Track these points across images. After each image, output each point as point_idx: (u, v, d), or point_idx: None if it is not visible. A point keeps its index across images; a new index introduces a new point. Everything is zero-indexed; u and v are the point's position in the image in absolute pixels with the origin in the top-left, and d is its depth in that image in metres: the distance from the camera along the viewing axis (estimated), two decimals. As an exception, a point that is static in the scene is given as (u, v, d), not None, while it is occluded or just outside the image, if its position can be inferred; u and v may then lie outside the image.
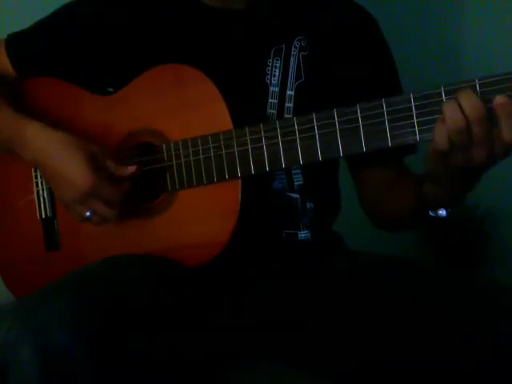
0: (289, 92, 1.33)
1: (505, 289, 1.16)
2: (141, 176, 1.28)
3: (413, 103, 1.10)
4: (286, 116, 1.32)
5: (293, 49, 1.34)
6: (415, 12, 2.00)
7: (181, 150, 1.26)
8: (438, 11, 2.00)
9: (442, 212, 1.23)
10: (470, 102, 1.05)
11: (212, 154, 1.23)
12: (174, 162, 1.27)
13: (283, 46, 1.34)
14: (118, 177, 1.26)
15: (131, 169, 1.27)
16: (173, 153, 1.27)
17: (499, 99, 1.04)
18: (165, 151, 1.28)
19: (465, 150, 1.07)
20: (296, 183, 1.34)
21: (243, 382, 1.24)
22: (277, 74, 1.33)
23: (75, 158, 1.25)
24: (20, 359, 1.00)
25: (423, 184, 1.20)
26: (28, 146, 1.30)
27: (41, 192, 1.39)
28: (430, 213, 1.24)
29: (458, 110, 1.05)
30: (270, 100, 1.33)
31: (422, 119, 1.10)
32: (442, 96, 1.08)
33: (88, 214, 1.27)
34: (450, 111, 1.06)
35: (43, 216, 1.38)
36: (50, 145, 1.28)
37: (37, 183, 1.39)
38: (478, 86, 1.06)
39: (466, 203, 1.25)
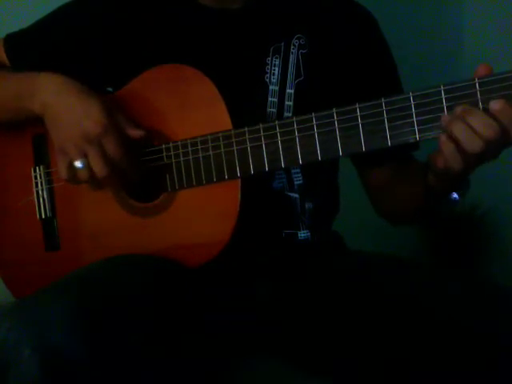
0: (288, 90, 1.33)
1: (505, 289, 1.16)
2: (140, 176, 1.28)
3: (412, 102, 1.10)
4: (285, 114, 1.32)
5: (292, 47, 1.34)
6: (415, 12, 2.00)
7: (180, 150, 1.26)
8: (438, 11, 2.01)
9: (455, 195, 1.22)
10: (483, 123, 1.05)
11: (211, 154, 1.23)
12: (174, 162, 1.27)
13: (282, 44, 1.33)
14: (127, 132, 1.25)
15: (141, 132, 1.25)
16: (172, 153, 1.27)
17: (495, 105, 1.05)
18: (164, 151, 1.28)
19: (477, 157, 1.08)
20: (296, 183, 1.34)
21: (243, 382, 1.24)
22: (276, 72, 1.33)
23: (91, 101, 1.24)
24: (20, 359, 1.00)
25: (427, 176, 1.20)
26: (39, 92, 1.28)
27: (40, 192, 1.38)
28: (443, 201, 1.24)
29: (474, 135, 1.05)
30: (269, 99, 1.33)
31: (421, 118, 1.10)
32: (441, 94, 1.08)
33: (79, 162, 1.23)
34: (466, 137, 1.05)
35: (43, 216, 1.38)
36: (65, 89, 1.26)
37: (36, 183, 1.39)
38: (477, 84, 1.06)
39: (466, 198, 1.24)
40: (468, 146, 1.06)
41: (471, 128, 1.05)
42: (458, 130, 1.06)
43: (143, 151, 1.29)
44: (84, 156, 1.23)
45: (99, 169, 1.23)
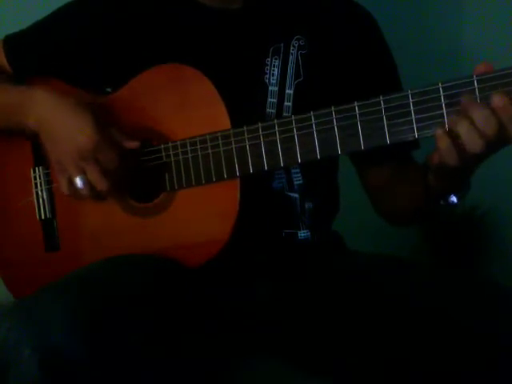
0: (288, 91, 1.33)
1: (505, 289, 1.16)
2: (139, 176, 1.28)
3: (411, 100, 1.11)
4: (285, 115, 1.32)
5: (291, 48, 1.34)
6: (415, 12, 2.00)
7: (179, 150, 1.26)
8: (438, 11, 2.00)
9: (453, 198, 1.22)
10: (483, 118, 1.04)
11: (210, 154, 1.24)
12: (173, 161, 1.27)
13: (281, 45, 1.34)
14: (122, 145, 1.26)
15: (135, 143, 1.26)
16: (171, 152, 1.27)
17: (498, 101, 1.04)
18: (163, 151, 1.28)
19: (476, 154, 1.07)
20: (295, 183, 1.34)
21: (243, 382, 1.24)
22: (276, 73, 1.33)
23: (84, 116, 1.25)
24: (20, 359, 1.00)
25: (428, 175, 1.19)
26: (34, 108, 1.29)
27: (40, 193, 1.38)
28: (442, 202, 1.24)
29: (475, 131, 1.04)
30: (269, 99, 1.33)
31: (420, 116, 1.10)
32: (439, 92, 1.08)
33: (78, 180, 1.25)
34: (467, 135, 1.05)
35: (43, 217, 1.38)
36: (59, 104, 1.27)
37: (36, 184, 1.39)
38: (475, 82, 1.06)
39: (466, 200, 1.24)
40: (469, 145, 1.05)
41: (474, 126, 1.05)
42: (462, 128, 1.06)
43: (142, 151, 1.29)
44: (82, 172, 1.25)
45: (98, 183, 1.25)
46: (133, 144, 1.26)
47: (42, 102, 1.29)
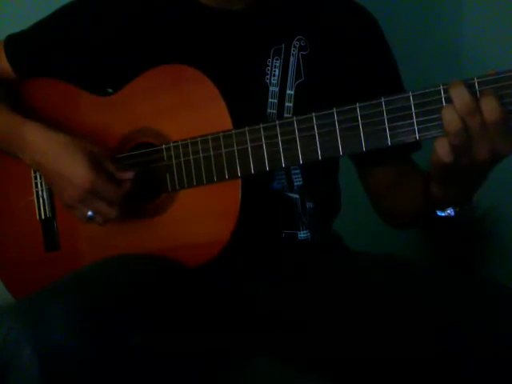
0: (289, 92, 1.33)
1: (505, 289, 1.15)
2: (141, 176, 1.28)
3: (412, 102, 1.10)
4: (285, 115, 1.32)
5: (292, 48, 1.34)
6: (415, 12, 2.00)
7: (181, 150, 1.26)
8: (437, 11, 2.01)
9: (451, 212, 1.23)
10: (459, 96, 1.05)
11: (212, 154, 1.24)
12: (174, 162, 1.27)
13: (283, 45, 1.34)
14: (117, 178, 1.27)
15: (129, 174, 1.27)
16: (172, 153, 1.27)
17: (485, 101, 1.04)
18: (165, 151, 1.28)
19: (468, 151, 1.07)
20: (295, 184, 1.34)
21: (243, 382, 1.24)
22: (277, 73, 1.33)
23: (75, 157, 1.26)
24: (20, 359, 1.00)
25: (430, 184, 1.20)
26: (28, 149, 1.31)
27: (40, 193, 1.39)
28: (438, 212, 1.24)
29: (453, 112, 1.05)
30: (269, 100, 1.33)
31: (421, 118, 1.10)
32: (441, 94, 1.08)
33: (90, 213, 1.27)
34: (447, 115, 1.06)
35: (43, 217, 1.38)
36: (50, 147, 1.29)
37: (36, 184, 1.39)
38: (476, 84, 1.06)
39: (473, 203, 1.24)
40: (449, 127, 1.05)
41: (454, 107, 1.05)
42: (444, 111, 1.06)
43: (144, 152, 1.29)
44: (90, 208, 1.27)
45: (109, 214, 1.27)
46: (126, 175, 1.27)
47: (34, 147, 1.30)
